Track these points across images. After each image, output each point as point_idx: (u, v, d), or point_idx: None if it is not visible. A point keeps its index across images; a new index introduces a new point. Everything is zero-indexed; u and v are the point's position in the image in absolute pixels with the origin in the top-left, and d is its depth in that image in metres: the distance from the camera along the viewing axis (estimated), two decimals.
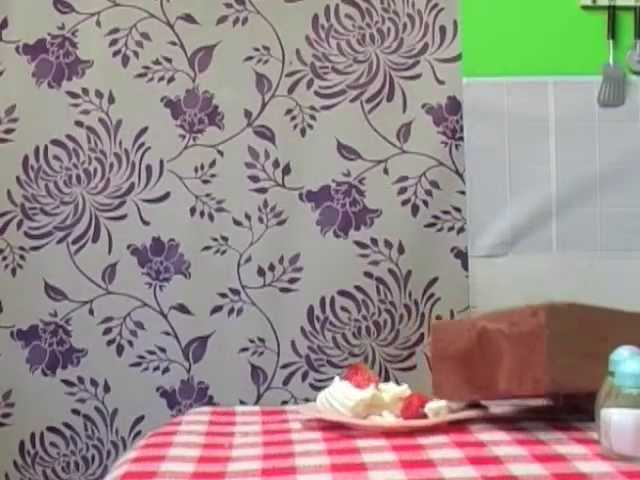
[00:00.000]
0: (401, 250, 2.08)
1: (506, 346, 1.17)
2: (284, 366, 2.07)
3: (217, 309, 2.06)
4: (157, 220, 2.07)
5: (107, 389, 2.03)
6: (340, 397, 1.19)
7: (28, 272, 2.04)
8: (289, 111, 2.09)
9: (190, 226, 2.06)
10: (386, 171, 2.09)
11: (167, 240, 2.06)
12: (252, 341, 2.07)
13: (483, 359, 1.20)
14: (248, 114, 2.09)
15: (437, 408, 1.19)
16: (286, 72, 2.10)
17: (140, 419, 2.03)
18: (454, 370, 1.26)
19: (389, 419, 1.18)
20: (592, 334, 1.18)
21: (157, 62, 2.08)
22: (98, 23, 2.08)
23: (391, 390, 1.23)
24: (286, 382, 2.06)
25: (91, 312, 2.03)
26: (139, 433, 1.99)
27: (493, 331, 1.20)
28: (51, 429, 2.03)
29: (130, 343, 2.04)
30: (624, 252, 2.04)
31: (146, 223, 2.06)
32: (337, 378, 1.24)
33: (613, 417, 0.99)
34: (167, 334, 2.04)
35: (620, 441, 0.98)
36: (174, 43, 2.09)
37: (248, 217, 2.08)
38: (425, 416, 1.18)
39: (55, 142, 2.06)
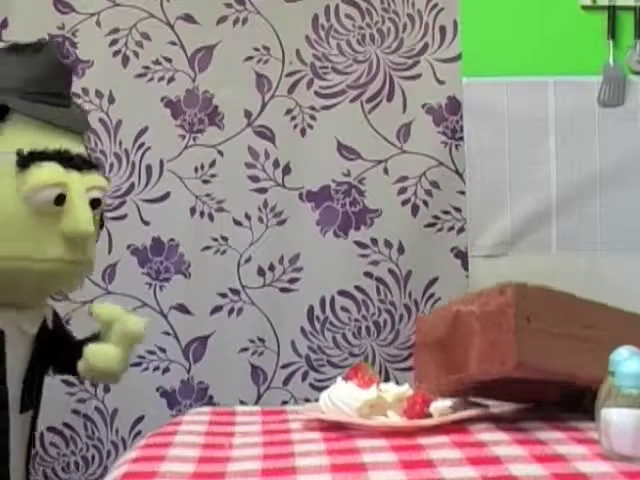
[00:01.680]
0: (401, 250, 2.08)
1: (477, 327, 1.15)
2: (284, 366, 2.07)
3: (217, 309, 2.07)
4: (157, 220, 2.07)
5: (107, 389, 2.03)
6: (346, 398, 1.18)
7: None
8: (289, 111, 2.09)
9: (190, 226, 2.06)
10: (386, 171, 2.09)
11: (167, 240, 2.06)
12: (252, 341, 2.07)
13: (457, 342, 1.20)
14: (248, 114, 2.09)
15: (442, 408, 1.19)
16: (286, 72, 2.10)
17: (140, 419, 2.03)
18: (432, 357, 1.26)
19: (395, 419, 1.18)
20: (567, 318, 1.17)
21: (157, 62, 2.08)
22: (98, 23, 2.08)
23: (392, 390, 1.23)
24: (286, 382, 2.06)
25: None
26: (139, 433, 1.99)
27: (465, 313, 1.19)
28: (51, 429, 2.03)
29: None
30: (624, 252, 2.04)
31: (146, 223, 2.06)
32: (339, 378, 1.24)
33: (613, 417, 0.99)
34: (167, 334, 2.04)
35: (620, 441, 0.98)
36: (174, 43, 2.09)
37: (248, 217, 2.08)
38: (429, 416, 1.18)
39: None
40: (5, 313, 1.45)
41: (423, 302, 2.08)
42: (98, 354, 1.49)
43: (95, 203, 1.46)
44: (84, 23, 2.08)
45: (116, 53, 2.08)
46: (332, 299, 2.07)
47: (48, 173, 1.40)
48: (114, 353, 1.48)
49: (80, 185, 1.43)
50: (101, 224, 1.58)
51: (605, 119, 2.05)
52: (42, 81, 1.44)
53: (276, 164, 2.09)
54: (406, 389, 1.23)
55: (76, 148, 1.47)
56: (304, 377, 2.06)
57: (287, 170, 2.09)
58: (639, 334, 1.17)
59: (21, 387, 1.47)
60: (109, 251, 2.05)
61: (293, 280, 2.08)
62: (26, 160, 1.39)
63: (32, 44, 1.49)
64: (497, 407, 1.30)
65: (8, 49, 1.49)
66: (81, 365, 1.50)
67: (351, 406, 1.18)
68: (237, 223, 2.08)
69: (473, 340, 1.16)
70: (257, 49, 2.10)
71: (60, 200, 1.40)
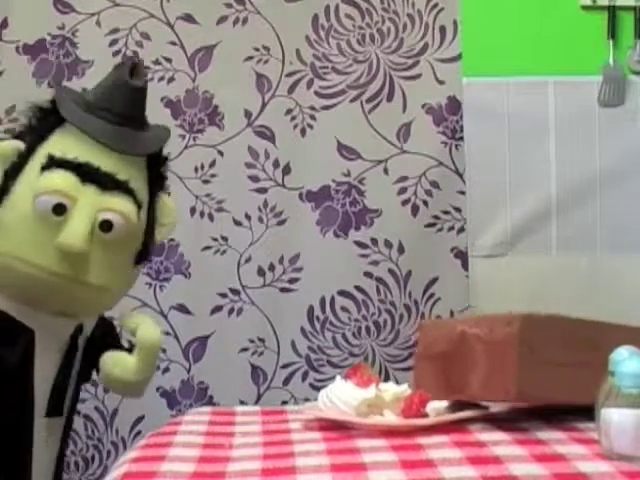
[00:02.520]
0: (401, 250, 2.08)
1: (481, 352, 1.18)
2: (284, 366, 2.07)
3: (217, 309, 2.07)
4: None
5: (107, 389, 2.03)
6: (345, 397, 1.19)
7: None
8: (289, 111, 2.09)
9: (190, 226, 2.06)
10: (386, 171, 2.09)
11: (167, 240, 2.06)
12: (252, 341, 2.07)
13: (459, 362, 1.21)
14: (248, 114, 2.09)
15: (439, 408, 1.19)
16: (286, 72, 2.10)
17: (140, 419, 2.03)
18: (433, 370, 1.27)
19: (392, 418, 1.18)
20: (574, 345, 1.18)
21: (157, 62, 2.08)
22: (98, 23, 2.08)
23: (391, 390, 1.23)
24: (286, 382, 2.06)
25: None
26: (139, 433, 1.99)
27: (471, 336, 1.20)
28: None
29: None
30: (624, 252, 2.04)
31: None
32: (339, 377, 1.25)
33: (613, 417, 0.99)
34: (167, 334, 2.04)
35: (620, 441, 0.97)
36: (174, 43, 2.09)
37: (248, 217, 2.08)
38: (427, 416, 1.18)
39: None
40: (37, 314, 1.43)
41: (423, 302, 2.08)
42: (113, 362, 1.47)
43: (106, 225, 1.38)
44: (84, 23, 2.08)
45: (116, 53, 2.08)
46: (332, 299, 2.07)
47: (56, 180, 1.37)
48: (130, 362, 1.45)
49: (91, 201, 1.37)
50: (141, 257, 1.49)
51: (605, 119, 2.06)
52: (107, 99, 1.44)
53: (276, 164, 2.09)
54: (405, 389, 1.23)
55: (116, 168, 1.40)
56: (304, 377, 2.06)
57: (287, 170, 2.09)
58: None
59: (50, 390, 1.45)
60: None
61: (293, 280, 2.08)
62: (49, 164, 1.38)
63: (118, 64, 1.51)
64: (497, 407, 1.30)
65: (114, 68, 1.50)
66: (100, 373, 1.49)
67: (349, 405, 1.18)
68: (237, 223, 2.08)
69: (476, 364, 1.17)
70: (257, 49, 2.10)
71: (59, 211, 1.35)
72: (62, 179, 1.37)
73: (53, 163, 1.38)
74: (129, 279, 1.54)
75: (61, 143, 1.41)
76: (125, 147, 1.43)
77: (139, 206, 1.43)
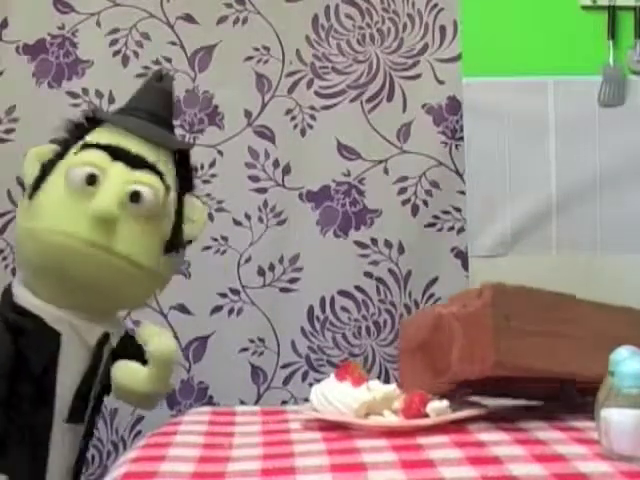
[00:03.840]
0: (401, 250, 2.08)
1: (458, 328, 1.18)
2: (284, 366, 2.07)
3: (217, 309, 2.07)
4: None
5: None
6: (344, 398, 1.19)
7: None
8: (289, 111, 2.09)
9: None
10: (386, 171, 2.09)
11: None
12: (252, 341, 2.07)
13: (440, 344, 1.21)
14: (248, 114, 2.09)
15: (439, 408, 1.19)
16: (286, 72, 2.10)
17: (140, 419, 2.03)
18: (416, 361, 1.28)
19: (392, 418, 1.18)
20: (547, 318, 1.19)
21: (157, 62, 2.08)
22: (98, 23, 2.08)
23: (381, 389, 1.23)
24: (286, 382, 2.06)
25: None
26: (139, 433, 1.99)
27: (446, 315, 1.21)
28: None
29: None
30: (624, 252, 2.04)
31: None
32: (332, 376, 1.24)
33: (613, 417, 0.99)
34: None
35: (620, 441, 0.98)
36: (174, 43, 2.09)
37: (248, 217, 2.08)
38: (427, 416, 1.18)
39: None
40: (64, 315, 1.45)
41: (423, 302, 2.08)
42: (124, 371, 1.47)
43: (135, 196, 1.43)
44: (84, 23, 2.08)
45: (116, 53, 2.08)
46: (332, 299, 2.07)
47: (88, 155, 1.45)
48: (142, 373, 1.44)
49: (121, 174, 1.43)
50: (169, 247, 1.51)
51: (605, 119, 2.06)
52: (137, 100, 1.55)
53: (276, 164, 2.09)
54: (394, 388, 1.23)
55: (145, 152, 1.47)
56: (304, 377, 2.06)
57: (287, 170, 2.09)
58: (622, 327, 1.20)
59: (72, 396, 1.45)
60: None
61: (293, 280, 2.08)
62: (82, 148, 1.46)
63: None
64: (497, 407, 1.30)
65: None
66: (112, 383, 1.49)
67: (349, 406, 1.18)
68: (237, 223, 2.08)
69: (454, 341, 1.18)
70: (257, 49, 2.10)
71: (91, 180, 1.41)
72: (92, 154, 1.45)
73: (85, 147, 1.47)
74: (161, 267, 1.53)
75: (95, 136, 1.49)
76: (154, 137, 1.51)
77: (167, 188, 1.48)
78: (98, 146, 1.46)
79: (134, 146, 1.47)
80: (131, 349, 1.51)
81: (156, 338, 1.46)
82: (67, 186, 1.43)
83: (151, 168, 1.47)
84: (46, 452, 1.44)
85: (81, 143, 1.47)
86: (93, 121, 1.53)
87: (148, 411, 1.96)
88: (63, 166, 1.46)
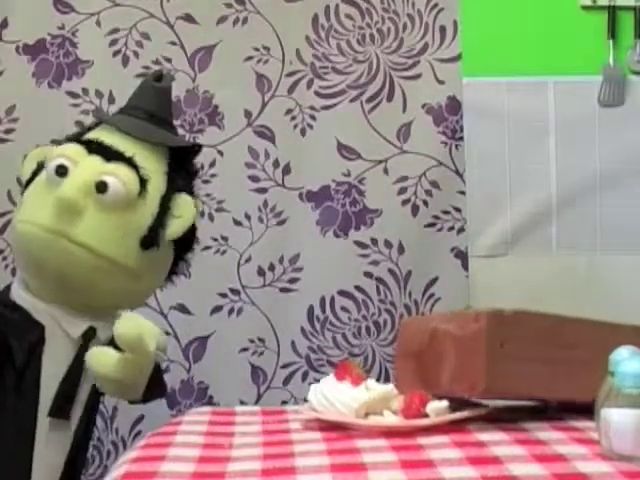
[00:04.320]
0: (401, 250, 2.08)
1: (451, 347, 1.19)
2: (284, 366, 2.07)
3: (217, 309, 2.07)
4: None
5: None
6: (343, 398, 1.18)
7: None
8: (289, 111, 2.09)
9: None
10: (386, 171, 2.09)
11: None
12: (252, 341, 2.07)
13: (432, 358, 1.22)
14: (248, 114, 2.09)
15: (439, 408, 1.19)
16: (286, 72, 2.10)
17: (140, 419, 2.03)
18: (409, 367, 1.28)
19: (392, 419, 1.18)
20: (544, 342, 1.19)
21: (157, 62, 2.08)
22: (98, 23, 2.08)
23: (378, 389, 1.23)
24: (286, 382, 2.06)
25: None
26: (139, 433, 1.99)
27: (442, 332, 1.22)
28: None
29: None
30: (624, 252, 2.04)
31: None
32: (331, 375, 1.24)
33: (613, 417, 0.99)
34: (167, 334, 2.04)
35: (620, 441, 0.97)
36: (174, 43, 2.09)
37: (248, 217, 2.08)
38: (427, 416, 1.18)
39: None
40: (48, 308, 1.46)
41: (423, 302, 2.08)
42: (95, 357, 1.44)
43: (101, 186, 1.43)
44: (84, 23, 2.08)
45: (116, 53, 2.08)
46: (332, 299, 2.07)
47: (63, 148, 1.48)
48: (113, 359, 1.41)
49: (92, 166, 1.45)
50: (147, 242, 1.49)
51: (605, 119, 2.06)
52: (135, 99, 1.58)
53: (276, 164, 2.09)
54: (391, 388, 1.23)
55: (125, 147, 1.47)
56: (304, 377, 2.06)
57: (287, 170, 2.09)
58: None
59: (55, 390, 1.45)
60: None
61: (293, 280, 2.08)
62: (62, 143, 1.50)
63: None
64: (497, 407, 1.30)
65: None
66: (90, 372, 1.47)
67: (349, 407, 1.18)
68: (237, 223, 2.08)
69: (446, 360, 1.19)
70: (257, 49, 2.10)
71: (61, 171, 1.44)
72: (68, 147, 1.48)
73: (68, 140, 1.51)
74: (136, 261, 1.50)
75: (90, 134, 1.52)
76: (141, 134, 1.51)
77: (142, 180, 1.47)
78: (77, 140, 1.49)
79: (116, 141, 1.48)
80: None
81: (122, 321, 1.41)
82: (44, 177, 1.48)
83: (127, 161, 1.47)
84: (31, 446, 1.44)
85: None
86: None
87: (150, 412, 1.98)
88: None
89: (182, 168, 1.56)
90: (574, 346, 1.20)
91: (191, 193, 1.56)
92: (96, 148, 1.46)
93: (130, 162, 1.47)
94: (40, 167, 1.51)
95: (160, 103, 1.57)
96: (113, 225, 1.46)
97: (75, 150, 1.46)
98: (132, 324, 1.42)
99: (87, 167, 1.45)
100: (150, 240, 1.50)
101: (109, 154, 1.46)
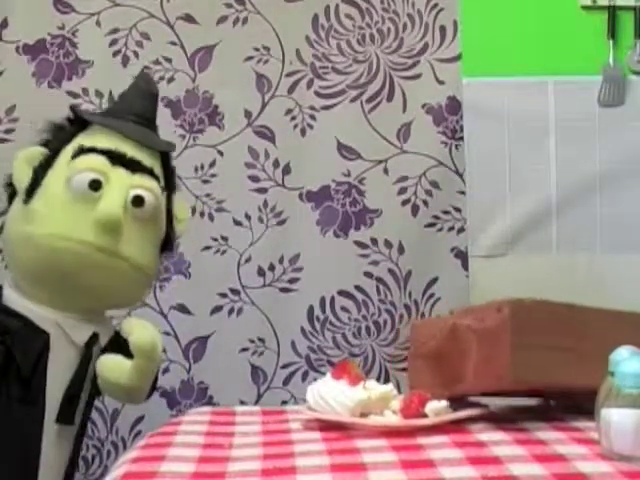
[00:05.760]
0: (401, 250, 2.08)
1: (473, 342, 1.18)
2: (284, 366, 2.07)
3: (217, 309, 2.07)
4: None
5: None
6: (339, 397, 1.19)
7: None
8: (289, 111, 2.09)
9: (190, 226, 2.06)
10: (386, 171, 2.09)
11: None
12: (252, 341, 2.07)
13: (453, 355, 1.22)
14: (248, 114, 2.09)
15: (439, 408, 1.19)
16: (286, 72, 2.10)
17: (140, 419, 2.03)
18: (426, 368, 1.28)
19: (392, 419, 1.18)
20: (564, 331, 1.19)
21: (157, 62, 2.08)
22: (98, 23, 2.08)
23: (377, 389, 1.23)
24: (286, 382, 2.06)
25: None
26: (139, 433, 1.99)
27: (462, 327, 1.21)
28: None
29: None
30: (624, 252, 2.04)
31: None
32: (328, 375, 1.24)
33: (613, 417, 0.99)
34: (167, 334, 2.04)
35: (620, 441, 0.98)
36: (174, 43, 2.09)
37: (248, 217, 2.08)
38: (426, 416, 1.18)
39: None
40: (52, 315, 1.46)
41: (423, 302, 2.08)
42: (107, 365, 1.47)
43: (138, 200, 1.47)
44: (84, 23, 2.08)
45: (116, 53, 2.08)
46: (332, 299, 2.07)
47: (90, 160, 1.46)
48: (126, 366, 1.45)
49: (123, 179, 1.47)
50: (166, 244, 1.58)
51: (605, 119, 2.05)
52: (125, 103, 1.58)
53: (276, 164, 2.09)
54: (390, 388, 1.23)
55: (141, 156, 1.50)
56: (304, 377, 2.06)
57: (287, 170, 2.09)
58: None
59: (61, 396, 1.45)
60: None
61: (293, 280, 2.08)
62: (77, 153, 1.47)
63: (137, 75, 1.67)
64: (497, 407, 1.30)
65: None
66: (98, 378, 1.48)
67: (345, 406, 1.18)
68: (237, 223, 2.08)
69: (470, 354, 1.18)
70: (257, 49, 2.10)
71: (95, 186, 1.44)
72: (94, 159, 1.47)
73: (83, 151, 1.48)
74: (156, 268, 1.59)
75: (88, 139, 1.50)
76: (148, 141, 1.54)
77: (162, 190, 1.54)
78: (96, 150, 1.47)
79: (130, 150, 1.50)
80: (122, 347, 1.51)
81: (137, 330, 1.46)
82: (69, 191, 1.45)
83: (149, 172, 1.51)
84: (38, 454, 1.44)
85: (76, 146, 1.48)
86: (78, 122, 1.54)
87: (150, 412, 1.98)
88: (60, 170, 1.47)
89: (168, 168, 1.60)
90: (591, 336, 1.19)
91: (175, 185, 1.63)
92: (118, 159, 1.48)
93: (152, 173, 1.52)
94: (38, 173, 1.48)
95: (152, 106, 1.60)
96: (146, 237, 1.52)
97: (101, 162, 1.46)
98: (147, 332, 1.47)
99: (119, 181, 1.46)
100: (167, 244, 1.59)
101: (131, 165, 1.49)
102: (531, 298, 1.19)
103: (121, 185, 1.46)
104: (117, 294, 1.54)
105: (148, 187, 1.49)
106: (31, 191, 1.47)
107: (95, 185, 1.44)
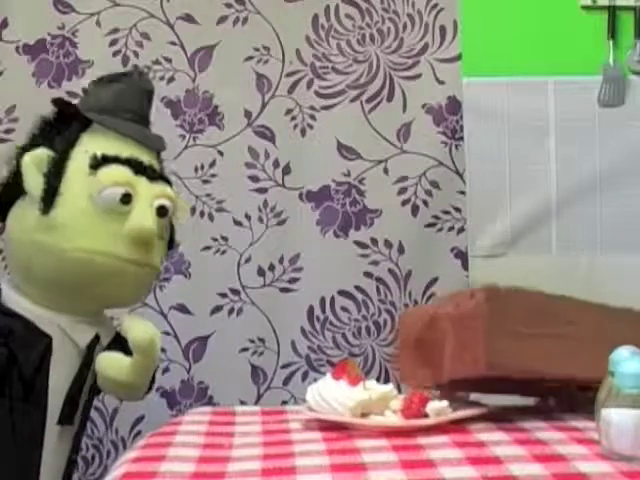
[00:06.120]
0: (401, 250, 2.08)
1: (450, 328, 1.19)
2: (284, 366, 2.07)
3: (217, 309, 2.07)
4: None
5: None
6: (339, 397, 1.18)
7: None
8: (289, 111, 2.09)
9: (190, 226, 2.06)
10: (386, 171, 2.09)
11: None
12: (252, 341, 2.07)
13: (433, 343, 1.23)
14: (248, 114, 2.09)
15: (439, 408, 1.19)
16: (286, 72, 2.10)
17: (140, 419, 2.03)
18: (410, 357, 1.29)
19: (392, 419, 1.18)
20: (539, 318, 1.19)
21: (157, 62, 2.09)
22: (98, 23, 2.08)
23: (377, 389, 1.23)
24: (286, 382, 2.06)
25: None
26: (139, 433, 1.99)
27: (441, 315, 1.22)
28: None
29: None
30: (624, 252, 2.04)
31: None
32: (328, 375, 1.24)
33: (613, 417, 0.99)
34: (167, 334, 2.04)
35: (620, 441, 0.97)
36: (174, 43, 2.10)
37: (248, 217, 2.08)
38: (427, 416, 1.18)
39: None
40: (56, 318, 1.46)
41: (423, 302, 2.08)
42: (108, 363, 1.47)
43: (162, 211, 1.49)
44: (84, 23, 2.08)
45: (116, 53, 2.08)
46: (332, 299, 2.07)
47: (117, 173, 1.46)
48: (125, 362, 1.45)
49: (148, 190, 1.48)
50: (171, 243, 1.61)
51: (605, 119, 2.05)
52: (123, 100, 1.55)
53: (276, 164, 2.09)
54: (390, 388, 1.23)
55: (147, 159, 1.52)
56: (304, 377, 2.06)
57: (287, 170, 2.09)
58: (622, 328, 1.19)
59: (63, 399, 1.46)
60: None
61: (293, 280, 2.08)
62: (98, 162, 1.45)
63: (124, 73, 1.63)
64: (497, 407, 1.30)
65: (107, 79, 1.58)
66: (97, 375, 1.49)
67: (345, 406, 1.18)
68: (237, 223, 2.08)
69: (447, 341, 1.18)
70: (257, 49, 2.10)
71: (126, 200, 1.45)
72: (121, 172, 1.47)
73: (102, 160, 1.46)
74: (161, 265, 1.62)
75: (94, 143, 1.49)
76: (152, 143, 1.56)
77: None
78: (115, 159, 1.46)
79: (139, 154, 1.50)
80: (123, 347, 1.51)
81: (136, 327, 1.46)
82: (96, 204, 1.44)
83: (162, 177, 1.54)
84: (39, 455, 1.44)
85: (92, 154, 1.46)
86: (72, 118, 1.51)
87: (150, 412, 1.98)
88: (78, 179, 1.45)
89: (161, 163, 1.61)
90: (571, 323, 1.20)
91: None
92: (138, 168, 1.48)
93: (168, 180, 1.55)
94: (50, 180, 1.44)
95: (148, 104, 1.59)
96: (164, 243, 1.56)
97: (127, 175, 1.47)
98: (145, 329, 1.47)
99: (144, 192, 1.47)
100: (172, 243, 1.62)
101: (149, 173, 1.50)
102: (507, 286, 1.19)
103: (147, 196, 1.47)
104: (128, 297, 1.57)
105: (168, 195, 1.52)
106: (48, 200, 1.44)
107: (126, 200, 1.45)
